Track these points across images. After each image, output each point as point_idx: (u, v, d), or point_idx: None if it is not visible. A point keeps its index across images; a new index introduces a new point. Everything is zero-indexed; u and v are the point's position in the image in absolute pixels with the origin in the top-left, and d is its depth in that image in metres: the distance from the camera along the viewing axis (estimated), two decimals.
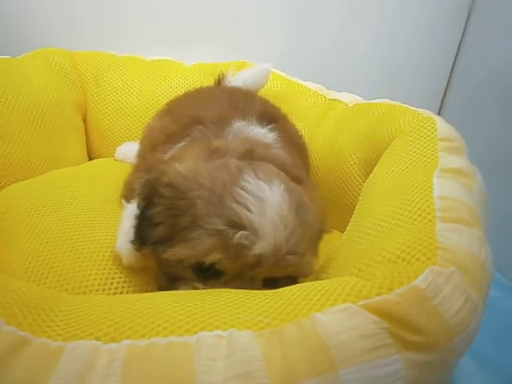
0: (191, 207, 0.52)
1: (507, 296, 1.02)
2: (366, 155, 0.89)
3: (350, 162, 0.91)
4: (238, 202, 0.51)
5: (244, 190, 0.52)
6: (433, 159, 0.67)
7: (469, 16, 1.39)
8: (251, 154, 0.63)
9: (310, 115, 1.06)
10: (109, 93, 1.15)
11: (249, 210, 0.50)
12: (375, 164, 0.82)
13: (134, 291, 0.61)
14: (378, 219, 0.59)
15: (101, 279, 0.60)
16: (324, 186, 0.97)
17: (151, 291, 0.61)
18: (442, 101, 1.48)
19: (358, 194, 0.85)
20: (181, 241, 0.52)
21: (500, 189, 1.15)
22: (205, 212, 0.51)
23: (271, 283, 0.54)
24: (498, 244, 0.62)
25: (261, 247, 0.50)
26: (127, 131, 1.14)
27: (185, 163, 0.59)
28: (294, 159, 0.76)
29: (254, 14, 1.33)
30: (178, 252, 0.52)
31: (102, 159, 1.13)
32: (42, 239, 0.66)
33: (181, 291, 0.52)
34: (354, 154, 0.90)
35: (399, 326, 0.38)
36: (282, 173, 0.60)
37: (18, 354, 0.34)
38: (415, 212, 0.55)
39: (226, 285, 0.51)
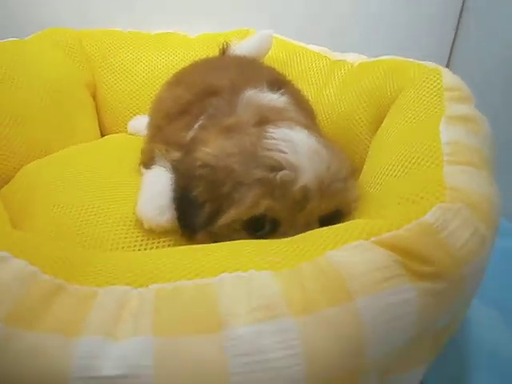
0: (229, 174, 0.54)
1: None
2: (373, 113, 0.89)
3: (357, 121, 0.92)
4: (269, 150, 0.53)
5: (272, 139, 0.54)
6: (439, 109, 0.67)
7: None
8: (266, 121, 0.65)
9: (315, 78, 1.06)
10: (116, 69, 1.17)
11: (282, 151, 0.52)
12: (383, 120, 0.83)
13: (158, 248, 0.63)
14: (386, 168, 0.60)
15: (125, 240, 0.63)
16: None
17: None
18: (450, 56, 1.46)
19: (366, 153, 0.86)
20: (228, 206, 0.54)
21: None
22: (243, 171, 0.53)
23: (326, 224, 0.55)
24: None
25: (304, 179, 0.51)
26: (137, 106, 1.16)
27: (209, 145, 0.61)
28: (307, 121, 0.77)
29: None
30: (228, 216, 0.54)
31: (114, 135, 1.16)
32: (65, 210, 0.69)
33: (203, 245, 0.54)
34: (362, 114, 0.91)
35: (410, 258, 0.40)
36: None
37: (54, 299, 0.37)
38: (423, 158, 0.56)
39: (285, 235, 0.51)
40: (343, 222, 0.57)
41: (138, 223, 0.65)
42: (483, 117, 0.67)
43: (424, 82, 0.76)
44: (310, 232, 0.47)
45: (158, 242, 0.64)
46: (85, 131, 1.06)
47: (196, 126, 0.74)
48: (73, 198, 0.71)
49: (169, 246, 0.63)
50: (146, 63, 1.17)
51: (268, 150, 0.53)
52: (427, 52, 1.36)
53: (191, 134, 0.73)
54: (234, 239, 0.54)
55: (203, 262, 0.43)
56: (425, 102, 0.71)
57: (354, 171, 0.64)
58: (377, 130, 0.85)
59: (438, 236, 0.41)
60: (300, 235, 0.47)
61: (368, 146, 0.89)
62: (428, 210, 0.43)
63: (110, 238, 0.63)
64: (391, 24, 1.42)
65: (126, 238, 0.63)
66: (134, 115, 1.15)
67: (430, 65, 0.82)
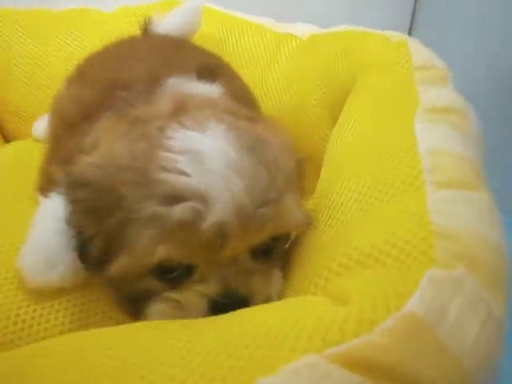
0: (117, 199, 0.39)
1: None
2: (329, 97, 0.73)
3: (310, 108, 0.76)
4: (165, 169, 0.38)
5: (169, 151, 0.39)
6: (411, 96, 0.52)
7: None
8: (184, 108, 0.47)
9: (257, 57, 0.89)
10: (14, 59, 0.94)
11: (182, 173, 0.37)
12: (342, 106, 0.66)
13: (52, 327, 0.45)
14: (344, 194, 0.44)
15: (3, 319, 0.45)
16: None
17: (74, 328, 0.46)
18: (412, 22, 1.30)
19: (324, 147, 0.71)
20: (120, 247, 0.40)
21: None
22: (133, 199, 0.39)
23: (262, 255, 0.42)
24: None
25: (216, 214, 0.36)
26: (44, 103, 0.94)
27: (98, 149, 0.45)
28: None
29: None
30: (120, 263, 0.40)
31: (17, 142, 0.94)
32: None
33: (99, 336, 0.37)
34: (315, 99, 0.75)
35: (391, 382, 0.24)
36: (225, 114, 0.46)
37: None
38: (396, 177, 0.40)
39: (205, 281, 0.40)
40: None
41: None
42: (466, 103, 0.52)
43: (388, 59, 0.61)
44: (226, 328, 0.30)
45: (53, 314, 0.46)
46: None
47: (96, 126, 0.56)
48: None
49: (73, 315, 0.46)
50: (52, 49, 0.95)
51: (164, 169, 0.38)
52: (386, 20, 1.20)
53: (89, 139, 0.55)
54: (139, 287, 0.42)
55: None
56: (392, 88, 0.57)
57: (301, 163, 0.49)
58: (335, 116, 0.69)
59: (435, 337, 0.26)
60: (211, 334, 0.30)
61: (324, 136, 0.74)
62: (413, 284, 0.28)
63: None
64: None
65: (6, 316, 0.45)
66: (41, 115, 0.94)
67: (394, 36, 0.66)
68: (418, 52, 0.59)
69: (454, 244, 0.31)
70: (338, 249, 0.37)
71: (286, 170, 0.43)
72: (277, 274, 0.43)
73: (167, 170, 0.38)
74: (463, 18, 1.16)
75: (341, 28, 0.78)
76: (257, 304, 0.39)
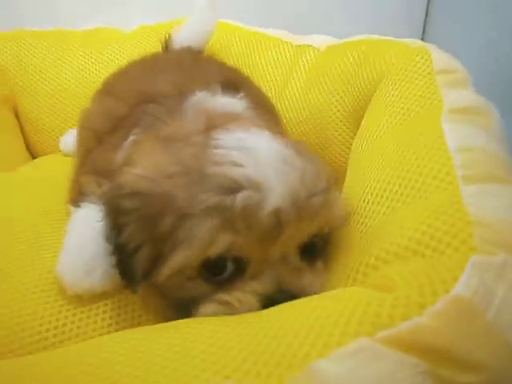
0: (169, 202, 0.40)
1: None
2: (350, 106, 0.74)
3: (331, 117, 0.77)
4: (220, 164, 0.39)
5: (222, 148, 0.41)
6: (435, 99, 0.53)
7: None
8: (214, 125, 0.48)
9: (276, 69, 0.90)
10: (39, 79, 0.97)
11: (238, 164, 0.39)
12: (363, 114, 0.68)
13: (92, 330, 0.47)
14: (377, 191, 0.45)
15: (43, 323, 0.46)
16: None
17: (112, 331, 0.47)
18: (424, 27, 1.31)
19: (346, 153, 0.72)
20: (172, 248, 0.40)
21: None
22: (187, 197, 0.39)
23: (308, 255, 0.43)
24: None
25: (274, 199, 0.37)
26: (68, 119, 0.97)
27: (140, 164, 0.46)
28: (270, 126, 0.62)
29: None
30: (173, 262, 0.40)
31: (44, 157, 0.97)
32: None
33: (133, 335, 0.38)
34: (336, 107, 0.76)
35: (445, 364, 0.25)
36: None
37: None
38: (428, 174, 0.41)
39: (258, 279, 0.40)
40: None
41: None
42: (488, 103, 0.53)
43: (410, 65, 0.61)
44: (284, 318, 0.31)
45: (92, 318, 0.48)
46: (8, 156, 0.88)
47: (127, 142, 0.57)
48: None
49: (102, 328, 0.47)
50: (74, 67, 0.98)
51: (218, 163, 0.39)
52: (399, 28, 1.22)
53: (121, 153, 0.57)
54: (188, 291, 0.42)
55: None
56: (414, 92, 0.57)
57: (336, 179, 0.50)
58: (357, 126, 0.70)
59: (483, 319, 0.26)
60: (269, 323, 0.31)
61: (348, 144, 0.75)
62: (458, 270, 0.29)
63: (23, 330, 0.46)
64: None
65: (44, 322, 0.47)
66: (67, 130, 0.96)
67: (414, 43, 0.67)
68: (438, 57, 0.60)
69: (492, 233, 0.32)
70: (374, 244, 0.38)
71: (327, 171, 0.45)
72: (321, 268, 0.44)
73: (221, 164, 0.39)
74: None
75: (357, 37, 0.79)
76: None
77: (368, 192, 0.46)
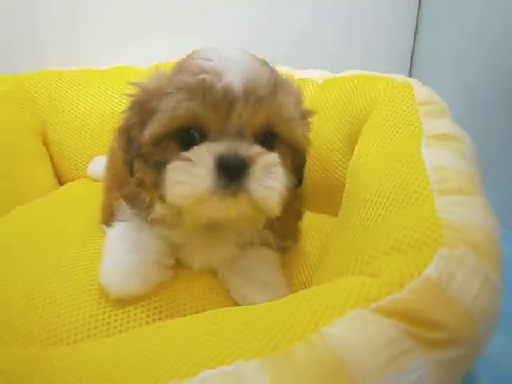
0: (158, 90, 0.53)
1: None
2: (345, 132, 0.85)
3: (329, 141, 0.88)
4: (196, 58, 0.53)
5: (203, 51, 0.55)
6: (416, 126, 0.63)
7: None
8: None
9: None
10: (66, 112, 1.09)
11: (208, 59, 0.52)
12: (357, 138, 0.78)
13: (128, 328, 0.56)
14: (370, 202, 0.55)
15: (93, 320, 0.56)
16: (307, 169, 0.92)
17: (146, 324, 0.56)
18: (411, 64, 1.44)
19: (344, 174, 0.81)
20: (154, 117, 0.53)
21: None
22: (168, 82, 0.53)
23: (265, 141, 0.53)
24: None
25: (226, 80, 0.49)
26: (94, 147, 1.08)
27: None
28: None
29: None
30: (151, 126, 0.52)
31: (72, 183, 1.07)
32: (18, 283, 0.61)
33: (171, 323, 0.47)
34: (333, 133, 0.87)
35: (418, 324, 0.34)
36: None
37: None
38: (409, 189, 0.51)
39: (215, 144, 0.50)
40: (284, 149, 0.56)
41: (104, 295, 0.59)
42: (463, 131, 0.63)
43: (395, 97, 0.72)
44: (297, 295, 0.41)
45: (129, 317, 0.57)
46: (39, 183, 0.98)
47: None
48: (32, 270, 0.63)
49: (141, 324, 0.56)
50: (97, 102, 1.10)
51: (194, 59, 0.53)
52: (388, 63, 1.34)
53: None
54: (162, 157, 0.53)
55: (179, 354, 0.36)
56: (399, 121, 0.67)
57: (307, 113, 0.63)
58: (351, 149, 0.80)
59: (446, 293, 0.36)
60: (287, 299, 0.41)
61: (344, 165, 0.85)
62: (429, 259, 0.38)
63: (73, 324, 0.55)
64: (350, 37, 1.39)
65: (91, 321, 0.56)
66: (92, 158, 1.07)
67: (399, 78, 0.78)
68: (420, 90, 0.70)
69: (457, 233, 0.41)
70: (368, 243, 0.48)
71: (291, 92, 0.58)
72: (273, 156, 0.52)
73: (199, 58, 0.53)
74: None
75: (350, 72, 0.90)
76: (257, 171, 0.49)
77: (363, 201, 0.56)
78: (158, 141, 0.53)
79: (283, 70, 1.03)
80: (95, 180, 1.02)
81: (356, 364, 0.32)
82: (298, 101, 0.60)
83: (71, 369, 0.37)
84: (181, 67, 0.54)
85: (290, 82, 0.60)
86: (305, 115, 0.61)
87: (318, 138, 0.89)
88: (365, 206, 0.55)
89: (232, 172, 0.48)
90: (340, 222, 0.65)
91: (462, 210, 0.45)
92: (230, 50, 0.55)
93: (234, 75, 0.49)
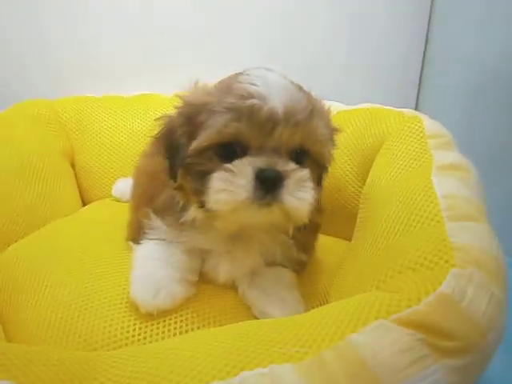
0: (205, 106, 0.59)
1: None
2: (358, 161, 0.90)
3: (343, 170, 0.93)
4: (243, 83, 0.58)
5: (248, 75, 0.60)
6: (427, 158, 0.69)
7: (430, 17, 1.45)
8: None
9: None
10: (94, 135, 1.15)
11: (254, 84, 0.57)
12: (369, 168, 0.83)
13: (162, 338, 0.61)
14: (385, 226, 0.60)
15: (124, 331, 0.60)
16: (321, 196, 0.97)
17: (173, 336, 0.61)
18: (417, 97, 1.52)
19: (357, 201, 0.86)
20: (203, 130, 0.58)
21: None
22: (217, 101, 0.58)
23: (297, 158, 0.60)
24: None
25: (271, 105, 0.55)
26: (117, 170, 1.14)
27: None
28: None
29: (225, 27, 1.36)
30: (200, 139, 0.58)
31: (97, 202, 1.13)
32: (56, 298, 0.66)
33: (205, 332, 0.51)
34: (347, 162, 0.92)
35: (433, 334, 0.39)
36: None
37: None
38: (422, 215, 0.56)
39: (255, 158, 0.56)
40: (312, 165, 0.63)
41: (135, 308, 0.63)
42: (469, 162, 0.68)
43: (406, 130, 0.77)
44: (324, 308, 0.45)
45: (159, 329, 0.61)
46: (66, 201, 1.03)
47: None
48: (62, 283, 0.68)
49: (175, 333, 0.60)
50: (124, 127, 1.16)
51: (242, 83, 0.59)
52: (395, 96, 1.43)
53: None
54: (206, 167, 0.58)
55: (218, 357, 0.41)
56: (411, 152, 0.72)
57: (335, 130, 0.69)
58: (364, 176, 0.86)
59: (458, 307, 0.40)
60: (315, 312, 0.46)
61: (357, 193, 0.90)
62: (442, 278, 0.43)
63: (108, 332, 0.60)
64: (361, 72, 1.48)
65: (124, 331, 0.60)
66: (116, 179, 1.12)
67: (408, 112, 0.83)
68: (429, 124, 0.76)
69: (466, 255, 0.46)
70: (383, 264, 0.53)
71: (322, 115, 0.65)
72: (304, 172, 0.59)
73: (244, 83, 0.58)
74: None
75: (363, 105, 0.96)
76: (291, 184, 0.56)
77: (379, 225, 0.61)
78: (203, 152, 0.59)
79: None
80: (118, 200, 1.08)
81: (379, 366, 0.37)
82: (329, 122, 0.67)
83: (124, 367, 0.41)
84: (228, 89, 0.59)
85: (322, 105, 0.67)
86: (332, 134, 0.68)
87: (333, 166, 0.94)
88: (380, 229, 0.60)
89: (269, 184, 0.55)
90: (355, 245, 0.70)
91: (470, 235, 0.50)
92: (273, 76, 0.61)
93: (277, 101, 0.56)
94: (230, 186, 0.56)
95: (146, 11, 1.30)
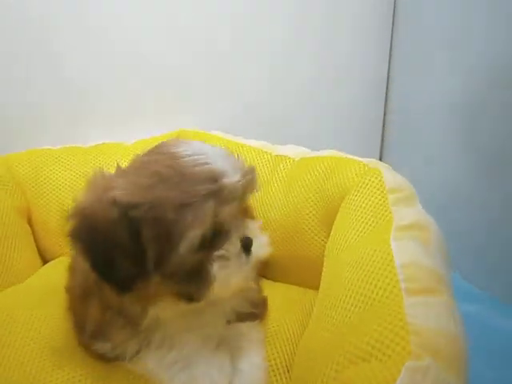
0: (166, 202, 0.52)
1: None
2: (321, 210, 0.88)
3: (306, 218, 0.90)
4: (197, 165, 0.55)
5: (189, 155, 0.56)
6: (386, 216, 0.67)
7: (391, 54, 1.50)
8: None
9: (259, 175, 1.04)
10: (51, 189, 1.10)
11: (208, 163, 0.55)
12: (333, 216, 0.82)
13: None
14: (343, 296, 0.58)
15: None
16: (284, 242, 0.95)
17: None
18: (382, 139, 1.54)
19: (321, 249, 0.84)
20: (183, 232, 0.52)
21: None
22: (182, 193, 0.52)
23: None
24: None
25: (235, 177, 0.56)
26: None
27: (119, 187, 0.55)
28: None
29: (182, 80, 1.34)
30: (189, 238, 0.52)
31: (55, 261, 1.08)
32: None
33: None
34: (310, 211, 0.90)
35: None
36: None
37: None
38: (380, 286, 0.54)
39: (234, 234, 0.59)
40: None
41: None
42: (430, 219, 0.67)
43: (367, 184, 0.76)
44: None
45: None
46: (23, 262, 0.98)
47: None
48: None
49: None
50: (83, 177, 1.12)
51: (196, 165, 0.55)
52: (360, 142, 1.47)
53: None
54: (194, 264, 0.55)
55: None
56: (371, 209, 0.71)
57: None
58: (328, 225, 0.84)
59: None
60: None
61: (321, 242, 0.87)
62: (397, 374, 0.40)
63: None
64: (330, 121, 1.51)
65: None
66: None
67: (370, 163, 0.82)
68: (389, 178, 0.75)
69: (422, 340, 0.43)
70: (343, 346, 0.50)
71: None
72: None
73: (198, 165, 0.54)
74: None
75: (326, 153, 0.95)
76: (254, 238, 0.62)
77: (338, 296, 0.59)
78: (192, 248, 0.53)
79: (263, 145, 1.10)
80: None
81: None
82: None
83: None
84: (181, 175, 0.53)
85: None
86: None
87: (297, 213, 0.92)
88: (340, 300, 0.58)
89: (250, 248, 0.60)
90: (319, 310, 0.67)
91: (428, 313, 0.48)
92: (211, 148, 0.59)
93: (235, 172, 0.57)
94: (232, 269, 0.58)
95: (123, 57, 1.27)
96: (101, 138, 1.21)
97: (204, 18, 1.29)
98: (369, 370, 0.43)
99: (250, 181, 0.60)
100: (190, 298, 0.57)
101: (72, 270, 0.70)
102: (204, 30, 1.30)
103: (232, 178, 0.55)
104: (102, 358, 0.64)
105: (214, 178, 0.54)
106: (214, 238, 0.57)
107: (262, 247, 0.63)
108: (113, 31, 1.23)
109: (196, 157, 0.55)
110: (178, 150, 0.57)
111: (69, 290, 0.70)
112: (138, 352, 0.63)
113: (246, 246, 0.60)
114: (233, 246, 0.58)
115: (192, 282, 0.56)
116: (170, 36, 1.28)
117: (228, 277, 0.57)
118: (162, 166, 0.55)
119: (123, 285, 0.54)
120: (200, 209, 0.52)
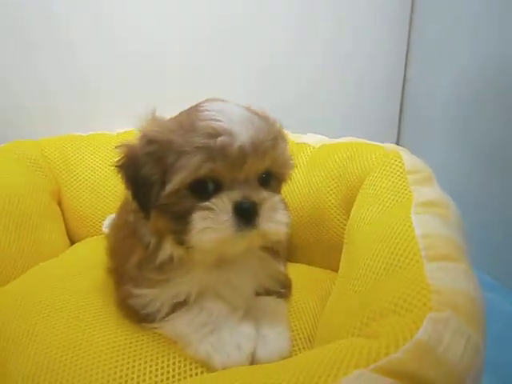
0: (172, 146, 0.59)
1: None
2: (342, 194, 0.91)
3: (327, 202, 0.94)
4: (207, 119, 0.59)
5: (208, 111, 0.61)
6: (406, 194, 0.70)
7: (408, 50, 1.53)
8: None
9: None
10: (81, 174, 1.16)
11: (218, 120, 0.58)
12: (353, 201, 0.85)
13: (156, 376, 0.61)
14: (367, 265, 0.61)
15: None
16: (306, 226, 0.99)
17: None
18: (399, 127, 1.57)
19: (342, 232, 0.88)
20: (173, 174, 0.58)
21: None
22: (184, 141, 0.58)
23: (263, 183, 0.63)
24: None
25: (239, 142, 0.57)
26: (105, 208, 1.14)
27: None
28: None
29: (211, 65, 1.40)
30: (174, 182, 0.58)
31: (84, 241, 1.13)
32: (42, 349, 0.65)
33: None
34: (331, 195, 0.93)
35: (413, 382, 0.40)
36: None
37: None
38: (401, 254, 0.57)
39: (229, 193, 0.59)
40: (276, 183, 0.67)
41: (126, 351, 0.63)
42: (448, 197, 0.70)
43: (387, 166, 0.79)
44: (304, 361, 0.46)
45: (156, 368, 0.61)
46: (53, 242, 1.03)
47: None
48: (49, 332, 0.67)
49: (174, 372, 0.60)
50: (111, 164, 1.16)
51: (205, 119, 0.59)
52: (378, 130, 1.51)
53: None
54: (181, 204, 0.60)
55: None
56: (391, 188, 0.74)
57: (283, 135, 0.70)
58: (348, 208, 0.87)
59: (435, 353, 0.41)
60: (294, 363, 0.46)
61: (341, 224, 0.91)
62: (419, 322, 0.44)
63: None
64: (343, 104, 1.54)
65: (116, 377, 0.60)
66: (102, 218, 1.13)
67: (389, 147, 0.85)
68: (408, 160, 0.78)
69: (443, 297, 0.47)
70: (366, 305, 0.53)
71: (277, 128, 0.67)
72: (273, 194, 0.63)
73: (207, 120, 0.59)
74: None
75: (346, 139, 0.99)
76: (266, 210, 0.60)
77: (361, 266, 0.62)
78: (176, 193, 0.60)
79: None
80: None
81: None
82: (287, 144, 0.70)
83: None
84: (191, 126, 0.59)
85: (279, 126, 0.69)
86: (290, 155, 0.71)
87: (318, 197, 0.96)
88: (363, 269, 0.61)
89: (247, 214, 0.59)
90: (339, 283, 0.70)
91: (448, 276, 0.51)
92: (233, 108, 0.63)
93: (244, 135, 0.58)
94: (212, 223, 0.58)
95: (136, 50, 1.32)
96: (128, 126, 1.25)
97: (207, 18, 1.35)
98: (394, 321, 0.46)
99: (260, 147, 0.59)
100: (181, 241, 0.61)
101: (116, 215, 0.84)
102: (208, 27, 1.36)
103: (232, 138, 0.57)
104: (135, 317, 0.69)
105: (215, 134, 0.57)
106: (203, 189, 0.60)
107: (275, 223, 0.61)
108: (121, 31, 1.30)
109: (212, 113, 0.60)
110: (206, 105, 0.63)
111: (110, 235, 0.82)
112: (167, 314, 0.67)
113: (241, 209, 0.58)
114: (221, 202, 0.58)
115: (179, 224, 0.60)
116: (172, 35, 1.35)
117: (206, 228, 0.58)
118: (186, 117, 0.63)
119: (144, 210, 0.63)
120: (190, 159, 0.57)
